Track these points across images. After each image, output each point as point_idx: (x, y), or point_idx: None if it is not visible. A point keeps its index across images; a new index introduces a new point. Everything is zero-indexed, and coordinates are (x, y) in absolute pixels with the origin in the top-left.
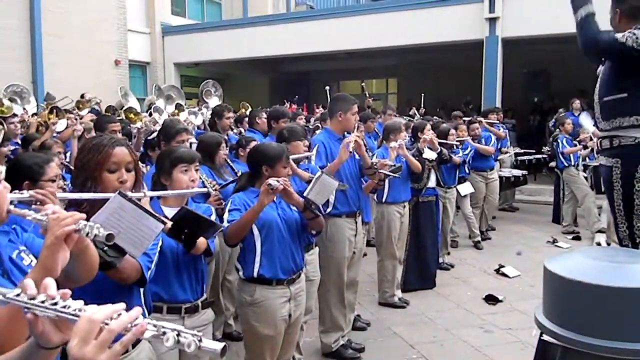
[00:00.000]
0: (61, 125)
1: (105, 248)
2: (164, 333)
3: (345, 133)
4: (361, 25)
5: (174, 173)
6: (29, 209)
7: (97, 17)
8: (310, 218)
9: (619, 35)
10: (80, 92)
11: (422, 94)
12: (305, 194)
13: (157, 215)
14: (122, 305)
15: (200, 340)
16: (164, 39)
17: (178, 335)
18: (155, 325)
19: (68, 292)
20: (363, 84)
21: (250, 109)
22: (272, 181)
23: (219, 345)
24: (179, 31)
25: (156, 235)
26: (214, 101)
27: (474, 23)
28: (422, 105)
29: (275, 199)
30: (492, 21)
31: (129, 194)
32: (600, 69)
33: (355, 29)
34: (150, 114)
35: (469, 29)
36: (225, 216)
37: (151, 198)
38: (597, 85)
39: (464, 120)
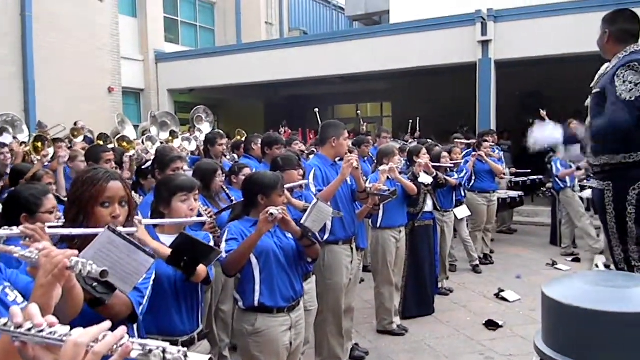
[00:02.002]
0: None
1: (95, 284)
2: (150, 351)
3: (337, 160)
4: (354, 50)
5: (173, 202)
6: (16, 245)
7: (90, 45)
8: (307, 245)
9: (624, 96)
10: (74, 120)
11: (418, 118)
12: (302, 222)
13: (147, 250)
14: (108, 324)
15: (185, 356)
16: (158, 65)
17: (164, 352)
18: (140, 344)
19: (54, 318)
20: (359, 112)
21: (245, 135)
22: (273, 210)
23: (205, 358)
24: (172, 58)
25: (146, 270)
26: (205, 127)
27: (466, 46)
28: (416, 129)
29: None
30: (485, 44)
31: (120, 228)
32: (588, 101)
33: (348, 54)
34: (144, 142)
35: (461, 52)
36: (223, 246)
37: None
38: (589, 117)
39: (478, 142)
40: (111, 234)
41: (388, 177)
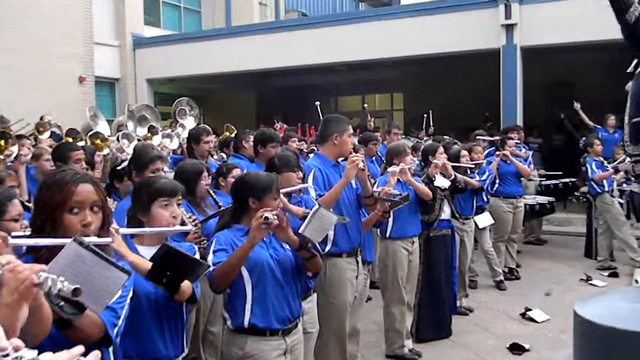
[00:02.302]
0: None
1: (61, 303)
2: None
3: (340, 160)
4: (361, 34)
5: (152, 208)
6: None
7: (58, 29)
8: (307, 258)
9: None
10: (39, 114)
11: (431, 111)
12: (300, 231)
13: (120, 265)
14: (80, 349)
15: None
16: (136, 52)
17: None
18: None
19: (20, 342)
20: (365, 105)
21: (235, 131)
22: (268, 214)
23: None
24: (152, 43)
25: (120, 288)
26: (189, 122)
27: (489, 31)
28: (430, 124)
29: (265, 238)
30: (509, 28)
31: (94, 239)
32: (629, 84)
33: (353, 39)
34: (119, 139)
35: (483, 37)
36: (210, 258)
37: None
38: (627, 103)
39: (501, 139)
40: (78, 246)
41: (399, 180)
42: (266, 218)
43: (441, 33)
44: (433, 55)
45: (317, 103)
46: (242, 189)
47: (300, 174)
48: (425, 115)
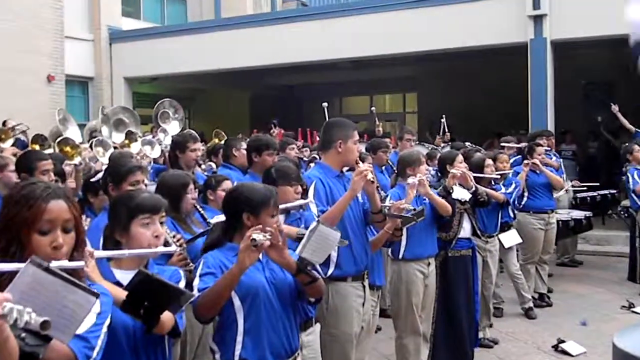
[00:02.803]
0: None
1: (23, 334)
2: None
3: (345, 170)
4: (369, 26)
5: (132, 227)
6: None
7: (24, 22)
8: (307, 282)
9: None
10: (1, 119)
11: (444, 116)
12: (298, 252)
13: (87, 286)
14: None
15: None
16: (112, 47)
17: None
18: None
19: None
20: (373, 108)
21: (226, 137)
22: (256, 234)
23: None
24: (131, 37)
25: (87, 312)
26: (173, 126)
27: (514, 22)
28: (445, 130)
29: (261, 257)
30: (538, 20)
31: (63, 263)
32: None
33: (361, 32)
34: (93, 146)
35: (508, 30)
36: (196, 283)
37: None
38: None
39: (529, 146)
40: (36, 269)
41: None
42: (253, 239)
43: (461, 25)
44: (451, 51)
45: (325, 104)
46: (236, 201)
47: (300, 189)
48: (442, 119)
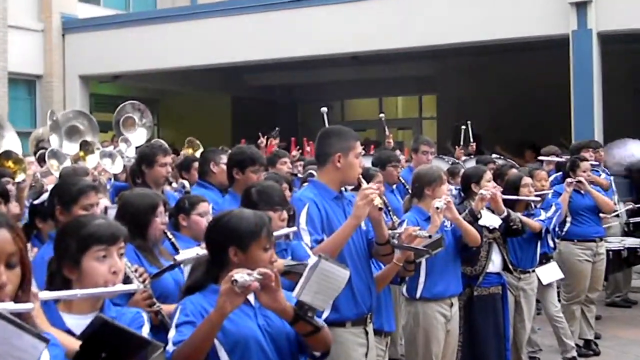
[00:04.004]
0: None
1: None
2: None
3: (344, 190)
4: (378, 15)
5: (84, 261)
6: None
7: None
8: (308, 333)
9: None
10: None
11: (467, 122)
12: (295, 294)
13: (35, 330)
14: None
15: None
16: (65, 38)
17: None
18: None
19: None
20: (382, 114)
21: (201, 149)
22: (239, 275)
23: None
24: (89, 27)
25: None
26: (138, 135)
27: (553, 11)
28: (470, 139)
29: (252, 301)
30: (581, 7)
31: (8, 306)
32: None
33: (368, 21)
34: (40, 159)
35: (546, 19)
36: (171, 334)
37: (46, 302)
38: None
39: (572, 161)
40: None
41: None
42: (235, 281)
43: (489, 14)
44: (479, 44)
45: (324, 109)
46: (220, 233)
47: (285, 215)
48: (464, 126)
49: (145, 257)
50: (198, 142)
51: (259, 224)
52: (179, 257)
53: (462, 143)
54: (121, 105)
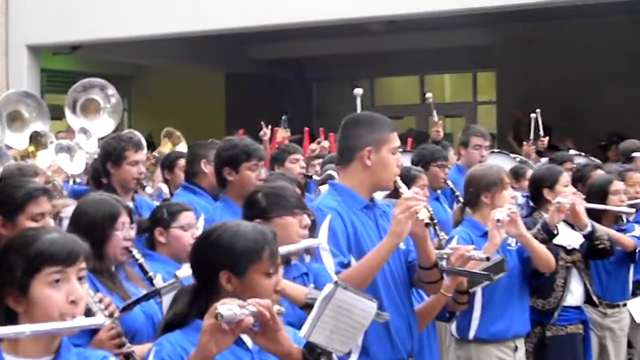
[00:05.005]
0: None
1: None
2: None
3: (375, 196)
4: None
5: (33, 287)
6: None
7: None
8: None
9: None
10: None
11: (537, 111)
12: (304, 334)
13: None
14: None
15: None
16: (9, 0)
17: None
18: None
19: None
20: (429, 94)
21: (183, 142)
22: (225, 307)
23: None
24: None
25: None
26: (102, 123)
27: None
28: (540, 131)
29: (248, 342)
30: None
31: None
32: None
33: None
34: None
35: None
36: None
37: None
38: None
39: None
40: None
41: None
42: (220, 315)
43: None
44: (550, 5)
45: (359, 91)
46: (209, 254)
47: (307, 220)
48: (534, 114)
49: (103, 283)
50: (179, 133)
51: (260, 241)
52: (179, 274)
53: (532, 136)
54: (78, 83)
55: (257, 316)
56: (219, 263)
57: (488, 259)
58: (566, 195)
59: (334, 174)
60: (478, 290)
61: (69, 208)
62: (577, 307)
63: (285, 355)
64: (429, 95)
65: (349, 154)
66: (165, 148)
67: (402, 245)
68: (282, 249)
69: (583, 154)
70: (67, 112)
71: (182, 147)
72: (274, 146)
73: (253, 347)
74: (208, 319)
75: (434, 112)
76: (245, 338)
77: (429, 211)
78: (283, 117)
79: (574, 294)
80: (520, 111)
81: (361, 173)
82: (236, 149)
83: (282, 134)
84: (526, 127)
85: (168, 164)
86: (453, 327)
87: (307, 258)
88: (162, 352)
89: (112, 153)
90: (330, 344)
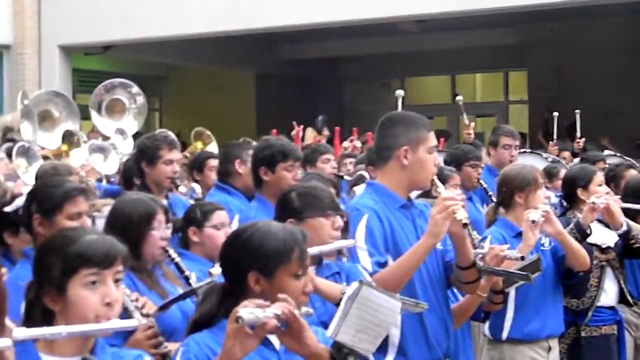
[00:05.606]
0: None
1: None
2: None
3: (412, 196)
4: None
5: (70, 288)
6: None
7: None
8: None
9: None
10: None
11: (577, 111)
12: (330, 334)
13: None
14: None
15: None
16: (42, 1)
17: None
18: None
19: None
20: (459, 97)
21: (213, 142)
22: (246, 311)
23: None
24: None
25: None
26: (127, 124)
27: None
28: (576, 128)
29: (275, 344)
30: None
31: None
32: None
33: None
34: (10, 155)
35: None
36: None
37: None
38: None
39: None
40: None
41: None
42: (240, 318)
43: None
44: (582, 4)
45: (401, 92)
46: (238, 254)
47: (340, 222)
48: (556, 113)
49: (142, 281)
50: (209, 133)
51: (289, 242)
52: (213, 271)
53: (555, 135)
54: (101, 85)
55: (279, 318)
56: (248, 263)
57: (523, 258)
58: (600, 195)
59: (366, 174)
60: (512, 291)
61: (103, 208)
62: (611, 307)
63: (312, 356)
64: (459, 97)
65: (386, 154)
66: (195, 148)
67: (439, 245)
68: (314, 250)
69: (618, 153)
70: (93, 113)
71: (213, 147)
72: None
73: (280, 348)
74: (231, 322)
75: (464, 115)
76: (273, 338)
77: (467, 216)
78: (320, 118)
79: (608, 294)
80: (550, 110)
81: (398, 172)
82: (272, 149)
83: (312, 134)
84: (552, 126)
85: (198, 164)
86: (486, 327)
87: (344, 260)
88: (189, 352)
89: (146, 152)
90: (356, 343)
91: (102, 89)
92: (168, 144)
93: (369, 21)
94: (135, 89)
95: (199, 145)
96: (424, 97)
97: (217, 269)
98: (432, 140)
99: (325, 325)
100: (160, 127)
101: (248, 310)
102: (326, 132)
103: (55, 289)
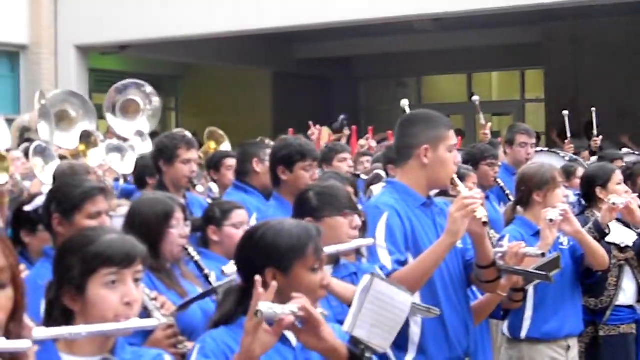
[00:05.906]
0: None
1: None
2: None
3: (432, 194)
4: None
5: (89, 288)
6: None
7: None
8: None
9: None
10: None
11: (594, 109)
12: (346, 329)
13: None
14: None
15: None
16: (58, 1)
17: None
18: None
19: None
20: (475, 97)
21: (226, 142)
22: (266, 305)
23: None
24: None
25: None
26: (141, 124)
27: None
28: (594, 126)
29: (292, 341)
30: None
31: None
32: None
33: None
34: (28, 154)
35: None
36: None
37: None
38: None
39: None
40: None
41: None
42: (260, 312)
43: None
44: (597, 3)
45: (405, 102)
46: (255, 251)
47: (357, 221)
48: (565, 111)
49: (163, 281)
50: (222, 132)
51: (304, 237)
52: (225, 269)
53: (568, 134)
54: (115, 86)
55: (297, 316)
56: (264, 261)
57: (543, 254)
58: (620, 193)
59: (382, 173)
60: (530, 290)
61: (120, 208)
62: (630, 307)
63: (330, 352)
64: (475, 98)
65: (406, 152)
66: (209, 148)
67: (459, 244)
68: (332, 249)
69: (637, 152)
70: (108, 115)
71: (226, 146)
72: (317, 146)
73: (297, 345)
74: (249, 319)
75: (481, 115)
76: (290, 335)
77: (487, 215)
78: (341, 117)
79: (627, 293)
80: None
81: (418, 171)
82: (290, 149)
83: (326, 132)
84: (566, 125)
85: (214, 164)
86: (505, 326)
87: (364, 260)
88: (206, 348)
89: (164, 151)
90: (371, 339)
91: (114, 91)
92: (186, 144)
93: (384, 20)
94: (149, 88)
95: (212, 144)
96: (440, 96)
97: (229, 268)
98: (452, 138)
99: (342, 323)
100: (176, 127)
101: (267, 305)
102: (347, 131)
103: (75, 289)
